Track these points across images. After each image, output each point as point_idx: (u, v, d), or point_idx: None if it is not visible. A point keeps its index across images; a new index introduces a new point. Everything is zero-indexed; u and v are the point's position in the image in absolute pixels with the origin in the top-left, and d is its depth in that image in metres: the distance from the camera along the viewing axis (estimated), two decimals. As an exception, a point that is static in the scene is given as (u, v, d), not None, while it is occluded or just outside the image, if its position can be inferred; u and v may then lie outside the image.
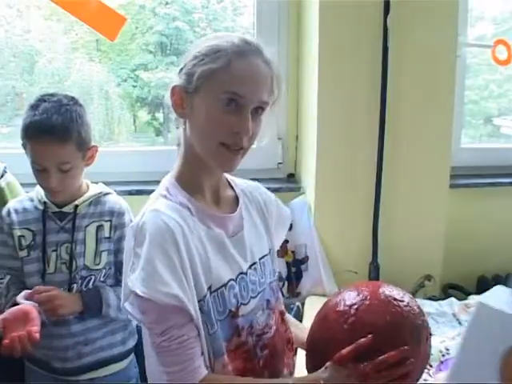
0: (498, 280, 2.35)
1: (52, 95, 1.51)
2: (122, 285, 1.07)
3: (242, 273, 1.14)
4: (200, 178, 1.13)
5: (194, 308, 1.01)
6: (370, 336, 1.02)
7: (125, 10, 2.34)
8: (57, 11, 2.35)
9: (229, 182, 1.24)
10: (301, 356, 1.55)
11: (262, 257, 1.22)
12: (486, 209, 2.41)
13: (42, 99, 1.49)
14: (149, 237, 1.01)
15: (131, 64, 2.51)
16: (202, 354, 1.04)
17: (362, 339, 1.02)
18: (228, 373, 1.08)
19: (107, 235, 1.58)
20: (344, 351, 1.02)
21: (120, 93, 2.51)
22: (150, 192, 2.01)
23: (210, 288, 1.07)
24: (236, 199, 1.22)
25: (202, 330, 1.03)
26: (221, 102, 1.04)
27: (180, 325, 1.01)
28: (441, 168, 2.17)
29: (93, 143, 1.57)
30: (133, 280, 0.99)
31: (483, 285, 2.35)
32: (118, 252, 1.60)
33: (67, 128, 1.46)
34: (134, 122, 2.65)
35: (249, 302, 1.14)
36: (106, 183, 1.70)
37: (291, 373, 1.27)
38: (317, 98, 2.04)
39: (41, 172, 1.48)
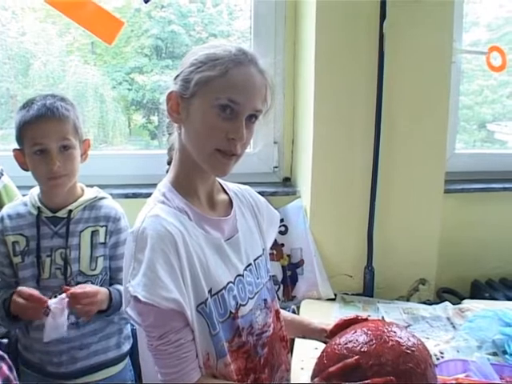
0: (492, 285, 2.36)
1: (41, 95, 1.55)
2: (123, 290, 1.09)
3: (239, 275, 1.17)
4: (195, 182, 1.16)
5: (190, 312, 1.04)
6: (356, 357, 1.05)
7: (120, 13, 2.34)
8: (52, 14, 2.35)
9: (222, 186, 1.27)
10: (297, 354, 1.56)
11: (257, 258, 1.26)
12: (480, 214, 2.42)
13: (33, 98, 1.53)
14: (150, 242, 1.02)
15: (126, 67, 2.50)
16: (197, 356, 1.07)
17: (349, 359, 1.05)
18: (230, 373, 1.10)
19: (102, 240, 1.58)
20: (331, 368, 1.06)
21: (115, 96, 2.51)
22: (145, 195, 2.04)
23: (210, 291, 1.09)
24: (229, 202, 1.25)
25: (196, 334, 1.06)
26: (216, 108, 1.07)
27: (177, 329, 1.04)
28: (436, 173, 2.18)
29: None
30: (134, 285, 1.01)
31: (477, 289, 2.36)
32: (112, 258, 1.60)
33: (66, 109, 1.51)
34: (129, 125, 2.64)
35: (247, 302, 1.17)
36: (102, 186, 1.69)
37: (287, 369, 1.31)
38: (313, 103, 2.05)
39: (42, 156, 1.48)
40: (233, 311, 1.13)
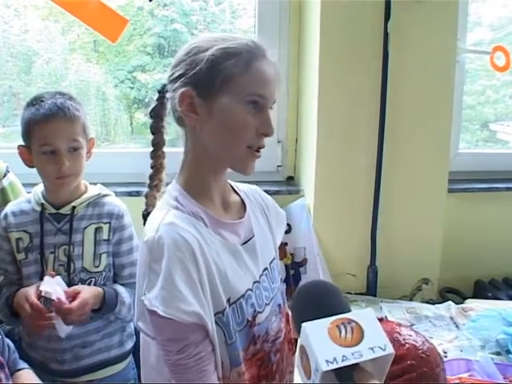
0: (495, 284, 2.36)
1: (47, 93, 1.53)
2: (136, 302, 1.05)
3: (256, 281, 1.13)
4: (208, 183, 1.11)
5: (210, 323, 0.99)
6: None
7: (123, 12, 2.33)
8: (55, 12, 2.35)
9: (232, 187, 1.22)
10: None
11: (271, 261, 1.21)
12: (483, 214, 2.42)
13: (38, 97, 1.51)
14: (167, 252, 0.97)
15: (129, 65, 2.50)
16: (216, 368, 1.03)
17: None
18: (243, 381, 1.06)
19: (106, 237, 1.57)
20: None
21: (117, 94, 2.51)
22: (149, 194, 2.01)
23: (228, 300, 1.05)
24: (242, 204, 1.20)
25: (216, 345, 1.02)
26: (246, 104, 1.03)
27: (197, 341, 0.99)
28: (439, 173, 2.19)
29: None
30: (151, 299, 0.96)
31: (480, 289, 2.36)
32: (116, 255, 1.59)
33: (76, 108, 1.50)
34: (131, 123, 2.64)
35: (264, 309, 1.13)
36: (105, 184, 1.68)
37: (292, 372, 1.27)
38: (317, 102, 2.05)
39: (51, 156, 1.48)
40: (250, 319, 1.08)
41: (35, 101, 1.50)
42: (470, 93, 2.73)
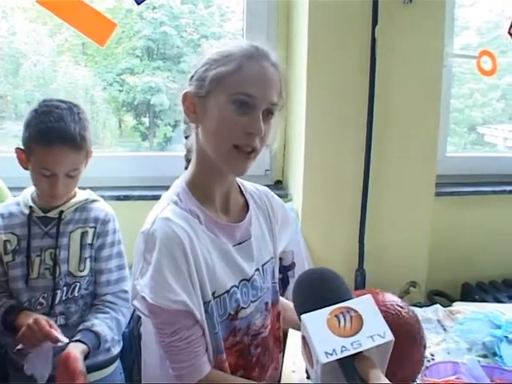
0: (482, 287, 2.38)
1: (61, 101, 1.51)
2: (131, 283, 1.12)
3: (245, 279, 1.18)
4: (212, 185, 1.16)
5: (199, 311, 1.07)
6: None
7: (112, 14, 2.32)
8: (42, 14, 2.34)
9: (239, 187, 1.26)
10: (289, 355, 1.55)
11: (265, 263, 1.25)
12: (470, 217, 2.44)
13: (51, 105, 1.49)
14: (159, 244, 1.05)
15: (117, 68, 2.50)
16: (207, 350, 1.10)
17: None
18: (225, 368, 1.13)
19: (90, 242, 1.57)
20: None
21: (106, 97, 2.50)
22: (138, 197, 2.03)
23: (213, 294, 1.11)
24: (245, 205, 1.24)
25: (206, 330, 1.09)
26: (233, 103, 1.07)
27: (188, 326, 1.07)
28: (427, 176, 2.19)
29: None
30: (142, 285, 1.05)
31: (467, 292, 2.38)
32: (96, 260, 1.59)
33: (83, 137, 1.49)
34: (120, 126, 2.64)
35: (249, 305, 1.18)
36: (93, 188, 1.68)
37: (277, 368, 1.32)
38: (305, 106, 2.05)
39: (48, 178, 1.47)
40: (232, 313, 1.15)
41: (45, 112, 1.47)
42: (457, 96, 2.74)
